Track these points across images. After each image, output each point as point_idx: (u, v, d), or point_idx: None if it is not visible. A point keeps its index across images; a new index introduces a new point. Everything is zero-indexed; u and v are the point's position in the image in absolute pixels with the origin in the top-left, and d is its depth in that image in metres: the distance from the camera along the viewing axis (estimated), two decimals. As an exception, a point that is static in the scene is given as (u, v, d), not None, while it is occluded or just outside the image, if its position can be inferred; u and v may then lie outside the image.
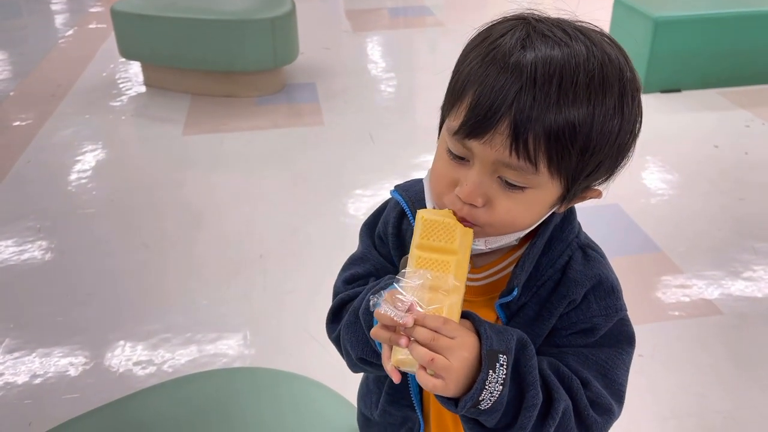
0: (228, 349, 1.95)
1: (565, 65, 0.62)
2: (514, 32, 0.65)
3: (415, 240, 0.68)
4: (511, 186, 0.66)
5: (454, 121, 0.66)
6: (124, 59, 3.92)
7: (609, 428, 0.75)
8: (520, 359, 0.67)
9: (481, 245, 0.70)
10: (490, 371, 0.63)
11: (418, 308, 0.64)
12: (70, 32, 4.90)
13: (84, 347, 1.97)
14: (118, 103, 3.67)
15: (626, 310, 0.76)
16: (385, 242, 0.84)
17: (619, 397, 0.75)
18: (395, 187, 0.83)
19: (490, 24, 0.69)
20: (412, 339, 0.63)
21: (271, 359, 1.90)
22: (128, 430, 1.06)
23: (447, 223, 0.67)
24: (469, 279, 0.77)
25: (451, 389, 0.63)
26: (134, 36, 3.68)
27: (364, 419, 0.97)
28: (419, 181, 0.81)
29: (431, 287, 0.65)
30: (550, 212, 0.71)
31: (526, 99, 0.61)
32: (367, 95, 3.81)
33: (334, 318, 0.85)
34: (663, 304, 2.12)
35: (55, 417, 1.18)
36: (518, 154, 0.63)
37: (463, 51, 0.69)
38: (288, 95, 3.76)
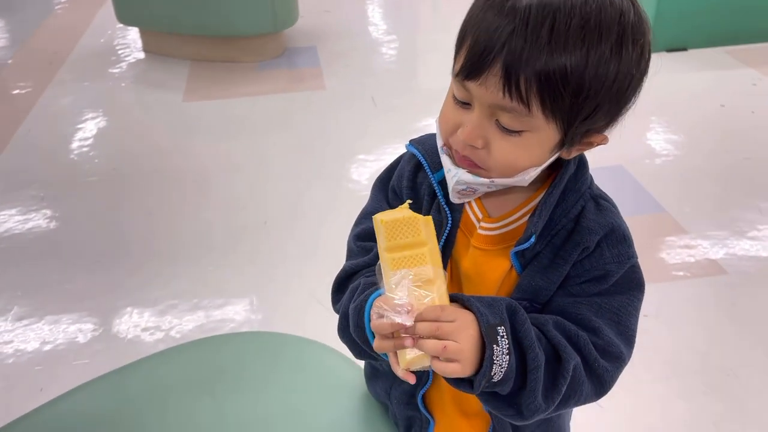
0: (235, 314, 1.97)
1: (560, 8, 0.62)
2: None
3: (382, 244, 0.68)
4: (507, 130, 0.67)
5: (457, 65, 0.69)
6: (121, 25, 3.87)
7: (620, 373, 0.77)
8: (515, 325, 0.70)
9: (486, 182, 0.72)
10: (494, 346, 0.66)
11: (412, 306, 0.66)
12: (66, -2, 4.82)
13: (92, 314, 1.98)
14: (117, 70, 3.63)
15: (637, 258, 0.78)
16: (399, 195, 0.85)
17: (630, 342, 0.78)
18: (410, 141, 0.84)
19: None
20: (415, 337, 0.65)
21: (278, 324, 1.92)
22: (139, 394, 1.08)
23: (407, 218, 0.68)
24: (484, 228, 0.79)
25: (468, 369, 0.66)
26: (131, 1, 3.63)
27: (371, 369, 0.99)
28: (433, 136, 0.82)
29: (416, 280, 0.67)
30: (554, 157, 0.72)
31: (517, 41, 0.62)
32: (369, 58, 3.77)
33: (339, 288, 0.87)
34: (668, 265, 2.12)
35: (66, 382, 1.20)
36: (511, 96, 0.64)
37: (472, 3, 0.71)
38: (289, 59, 3.72)
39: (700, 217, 2.34)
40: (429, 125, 2.94)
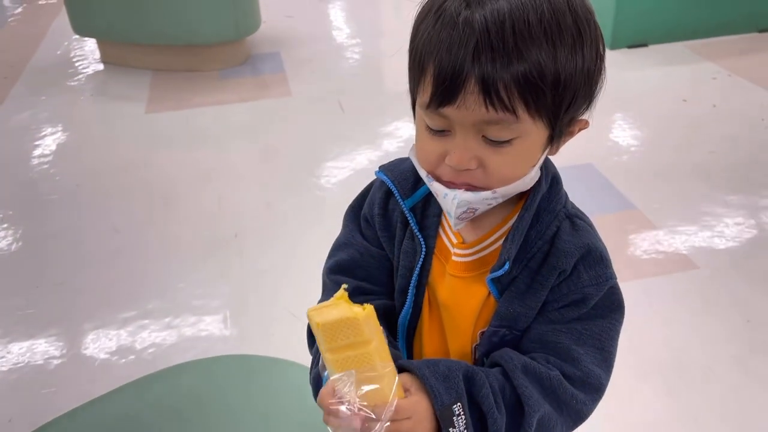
0: (209, 332, 1.92)
1: (512, 10, 0.62)
2: None
3: (323, 345, 0.64)
4: (497, 143, 0.66)
5: (424, 96, 0.66)
6: (78, 36, 3.77)
7: (598, 403, 0.76)
8: (472, 392, 0.68)
9: (489, 195, 0.69)
10: (450, 429, 0.65)
11: (363, 408, 0.62)
12: (20, 10, 4.69)
13: (59, 338, 1.92)
14: (75, 83, 3.54)
15: (616, 278, 0.76)
16: (372, 224, 0.83)
17: (610, 367, 0.77)
18: (380, 167, 0.82)
19: None
20: None
21: (253, 340, 1.88)
22: (114, 427, 1.04)
23: (346, 320, 0.63)
24: (458, 255, 0.77)
25: None
26: (87, 11, 3.53)
27: None
28: (404, 160, 0.80)
29: (363, 382, 0.63)
30: (545, 155, 0.71)
31: (486, 52, 0.61)
32: (334, 63, 3.74)
33: None
34: (640, 261, 2.14)
35: (36, 412, 1.15)
36: (495, 107, 0.62)
37: (413, 27, 0.69)
38: (252, 67, 3.67)
39: (669, 212, 2.37)
40: (398, 128, 2.93)
